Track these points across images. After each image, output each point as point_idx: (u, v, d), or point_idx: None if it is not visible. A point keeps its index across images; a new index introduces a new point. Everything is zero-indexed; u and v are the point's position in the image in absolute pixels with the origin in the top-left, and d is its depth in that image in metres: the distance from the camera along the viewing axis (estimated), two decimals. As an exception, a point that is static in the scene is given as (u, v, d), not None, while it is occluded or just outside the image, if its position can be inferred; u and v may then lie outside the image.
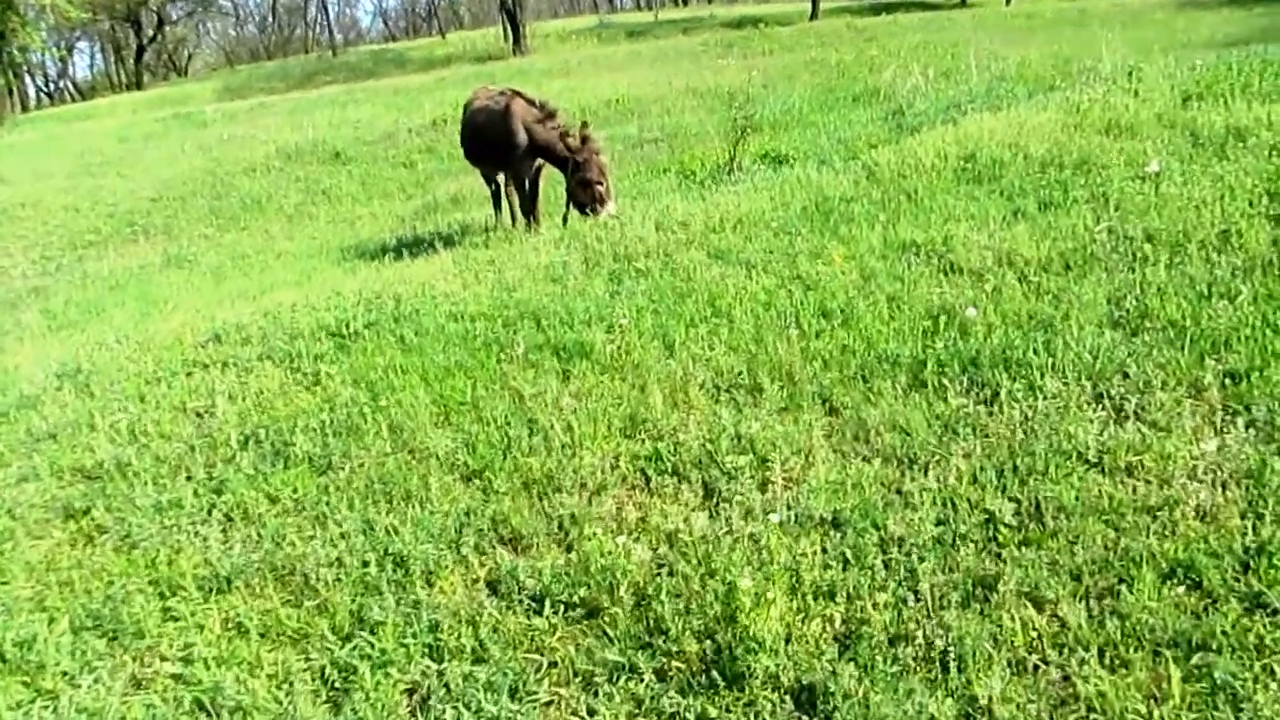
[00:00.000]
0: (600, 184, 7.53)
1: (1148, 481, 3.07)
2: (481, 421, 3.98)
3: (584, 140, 7.64)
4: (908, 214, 6.03)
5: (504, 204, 8.80)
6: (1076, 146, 6.79)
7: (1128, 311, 4.01)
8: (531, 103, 8.00)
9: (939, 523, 3.03)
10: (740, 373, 4.05)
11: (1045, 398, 3.54)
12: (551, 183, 8.45)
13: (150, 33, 51.57)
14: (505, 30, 41.87)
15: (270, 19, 64.86)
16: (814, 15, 40.16)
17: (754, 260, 5.58)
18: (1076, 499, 3.02)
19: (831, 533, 3.07)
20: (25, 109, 48.00)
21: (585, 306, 5.13)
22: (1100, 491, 3.03)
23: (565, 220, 7.86)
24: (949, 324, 4.22)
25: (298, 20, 66.22)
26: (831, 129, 12.44)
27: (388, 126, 16.84)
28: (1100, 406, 3.48)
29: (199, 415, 4.63)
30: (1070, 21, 29.46)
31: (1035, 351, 3.80)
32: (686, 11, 54.28)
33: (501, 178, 8.73)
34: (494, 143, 8.18)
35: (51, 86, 59.63)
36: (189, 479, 4.01)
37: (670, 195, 8.34)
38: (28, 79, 53.49)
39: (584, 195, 7.62)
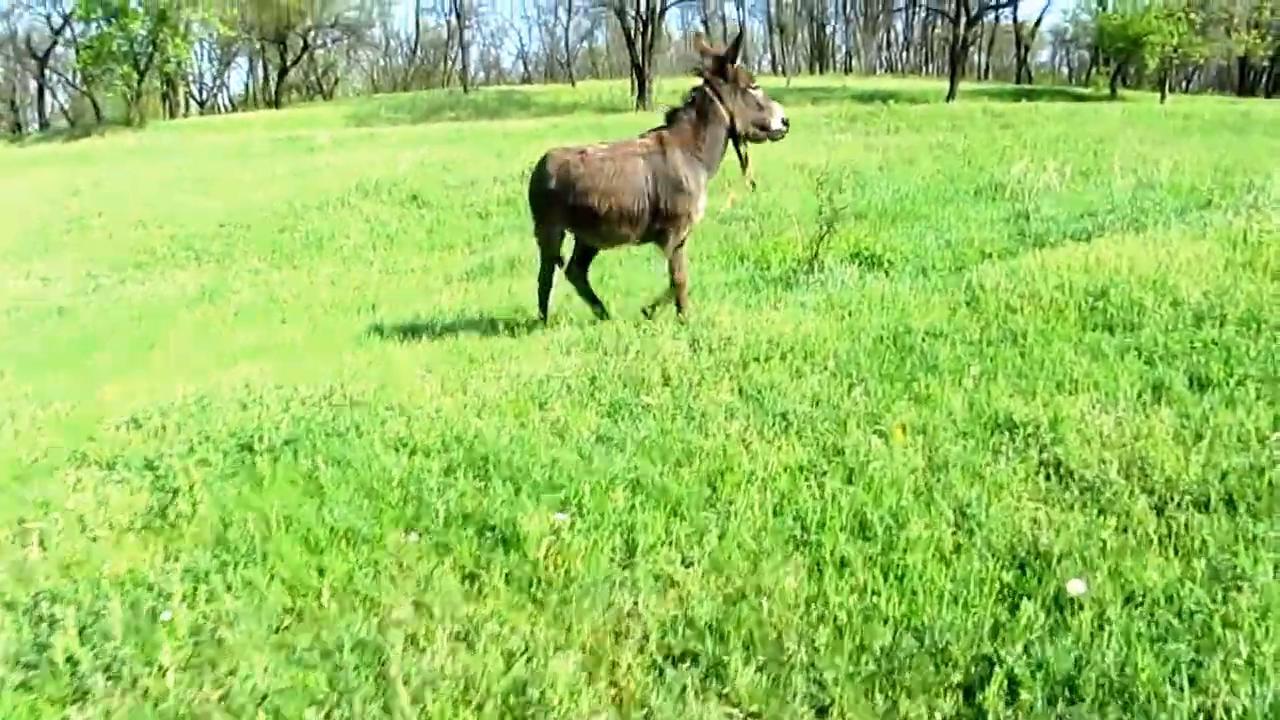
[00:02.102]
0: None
1: None
2: (320, 650, 2.74)
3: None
4: (1009, 368, 4.61)
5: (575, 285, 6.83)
6: (1244, 295, 5.25)
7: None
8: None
9: None
10: (705, 633, 2.70)
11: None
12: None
13: (295, 56, 53.50)
14: (633, 83, 41.71)
15: (414, 51, 66.73)
16: (951, 96, 38.62)
17: (792, 414, 4.24)
18: None
19: None
20: (173, 115, 50.15)
21: (553, 459, 3.88)
22: None
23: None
24: (1041, 583, 2.80)
25: (441, 55, 68.04)
26: (944, 226, 10.96)
27: (476, 172, 16.11)
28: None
29: (20, 543, 3.55)
30: (1231, 126, 27.06)
31: (1178, 688, 2.32)
32: (820, 80, 53.38)
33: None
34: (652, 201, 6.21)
35: (205, 96, 62.62)
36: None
37: (729, 295, 7.06)
38: (185, 87, 56.09)
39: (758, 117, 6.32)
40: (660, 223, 6.27)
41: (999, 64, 69.57)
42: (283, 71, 53.69)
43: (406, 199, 14.52)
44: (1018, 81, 55.89)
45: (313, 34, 54.06)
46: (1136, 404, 4.06)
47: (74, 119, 52.84)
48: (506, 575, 3.06)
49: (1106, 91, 42.88)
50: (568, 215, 6.33)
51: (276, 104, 51.08)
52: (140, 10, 37.00)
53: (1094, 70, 51.07)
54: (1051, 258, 6.62)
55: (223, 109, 59.78)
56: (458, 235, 12.78)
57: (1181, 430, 3.71)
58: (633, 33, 41.29)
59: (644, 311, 6.43)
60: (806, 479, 3.62)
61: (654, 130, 6.42)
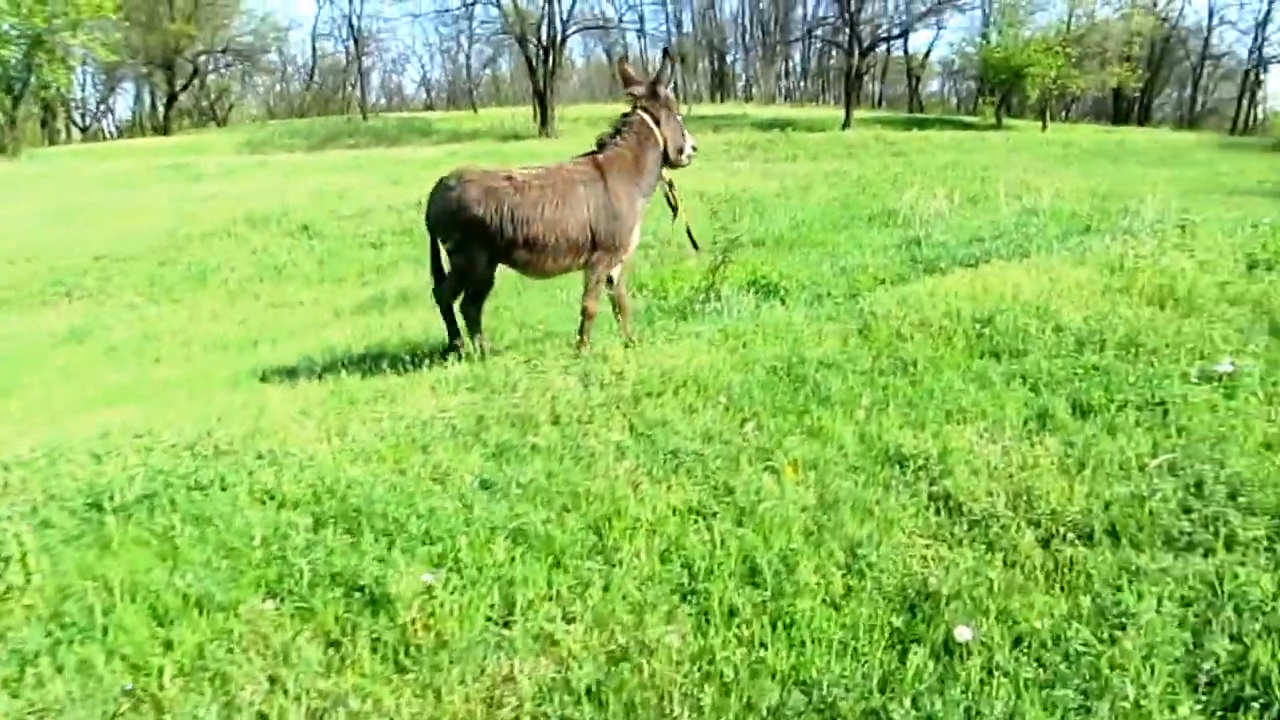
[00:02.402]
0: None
1: None
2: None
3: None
4: (900, 398, 4.59)
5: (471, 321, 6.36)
6: (1122, 320, 5.38)
7: (1217, 660, 2.49)
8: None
9: None
10: (583, 698, 2.53)
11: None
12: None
13: (184, 81, 51.77)
14: (535, 110, 41.62)
15: (311, 77, 65.28)
16: (846, 124, 39.69)
17: (683, 451, 4.12)
18: None
19: None
20: (53, 142, 47.96)
21: (431, 509, 3.67)
22: None
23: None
24: (930, 627, 2.72)
25: (340, 81, 66.67)
26: (840, 253, 11.13)
27: (370, 201, 15.70)
28: None
29: None
30: (1108, 154, 28.50)
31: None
32: (722, 108, 54.25)
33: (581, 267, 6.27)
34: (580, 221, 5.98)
35: (89, 122, 59.94)
36: None
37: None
38: (65, 113, 53.70)
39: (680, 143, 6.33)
40: (597, 252, 6.09)
41: (892, 93, 71.89)
42: (171, 98, 51.84)
43: (297, 229, 14.02)
44: (910, 110, 57.89)
45: (203, 59, 52.42)
46: (1023, 432, 4.08)
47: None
48: (373, 641, 2.84)
49: (993, 120, 44.67)
50: (497, 244, 5.91)
51: (165, 130, 49.26)
52: (13, 35, 35.26)
53: (980, 100, 53.23)
54: (941, 285, 6.70)
55: (108, 135, 57.23)
56: (349, 267, 12.38)
57: (1066, 459, 3.72)
58: (534, 60, 41.25)
59: (624, 344, 6.10)
60: (696, 522, 3.49)
61: (587, 155, 6.22)
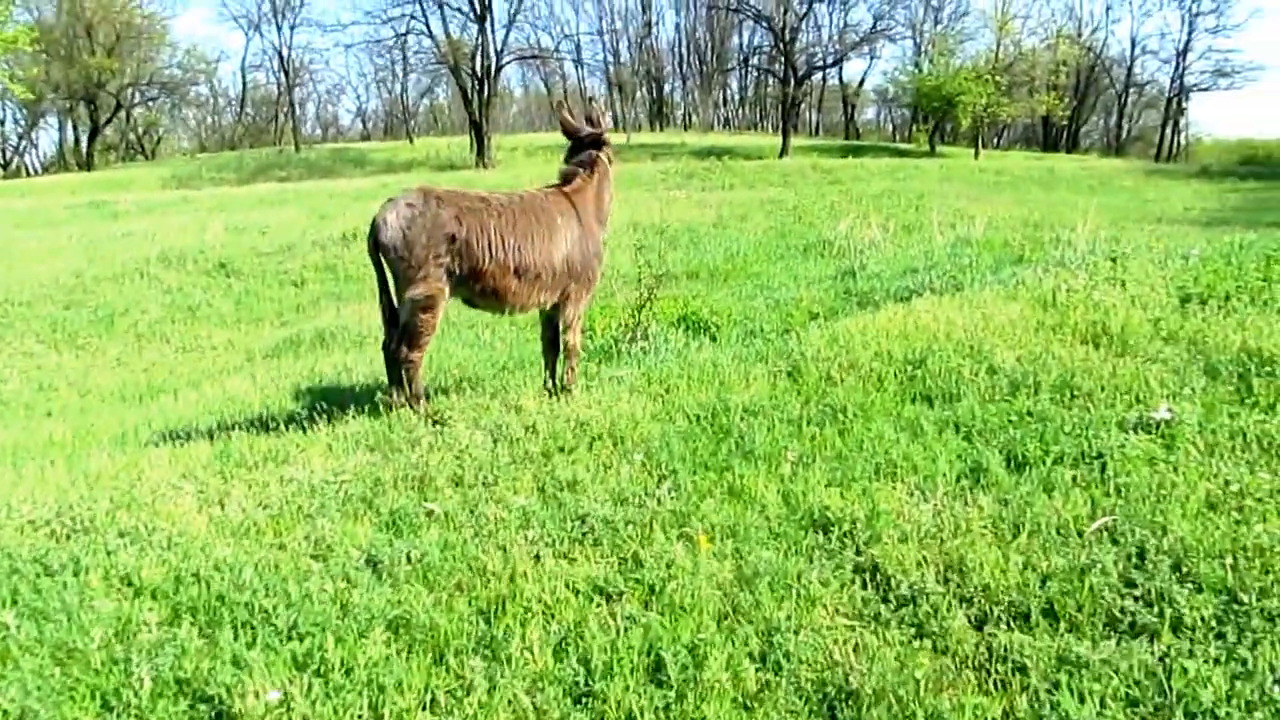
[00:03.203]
0: None
1: None
2: None
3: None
4: (828, 450, 4.32)
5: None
6: (1056, 361, 5.19)
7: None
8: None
9: None
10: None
11: None
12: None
13: (107, 115, 50.39)
14: (472, 141, 41.26)
15: (241, 109, 64.15)
16: (784, 152, 40.04)
17: (593, 516, 3.78)
18: None
19: None
20: (-36, 178, 46.34)
21: (305, 594, 3.27)
22: None
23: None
24: (851, 732, 2.40)
25: (272, 113, 65.59)
26: (774, 285, 10.94)
27: (294, 236, 15.15)
28: None
29: None
30: (1038, 180, 29.03)
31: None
32: (661, 136, 54.49)
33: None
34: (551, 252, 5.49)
35: (8, 157, 57.97)
36: None
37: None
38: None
39: None
40: (573, 285, 5.69)
41: (828, 120, 73.01)
42: (93, 132, 50.37)
43: (214, 268, 13.42)
44: (846, 137, 58.77)
45: (127, 92, 51.09)
46: (955, 489, 3.81)
47: None
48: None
49: (927, 148, 45.48)
50: (462, 274, 5.23)
51: (88, 166, 47.82)
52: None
53: (915, 127, 54.23)
54: (873, 322, 6.48)
55: (30, 171, 55.41)
56: (268, 306, 11.85)
57: (1000, 522, 3.45)
58: (469, 90, 40.93)
59: (547, 390, 5.72)
60: (599, 605, 3.15)
61: (552, 187, 5.85)
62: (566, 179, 5.92)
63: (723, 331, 8.06)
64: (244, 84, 62.88)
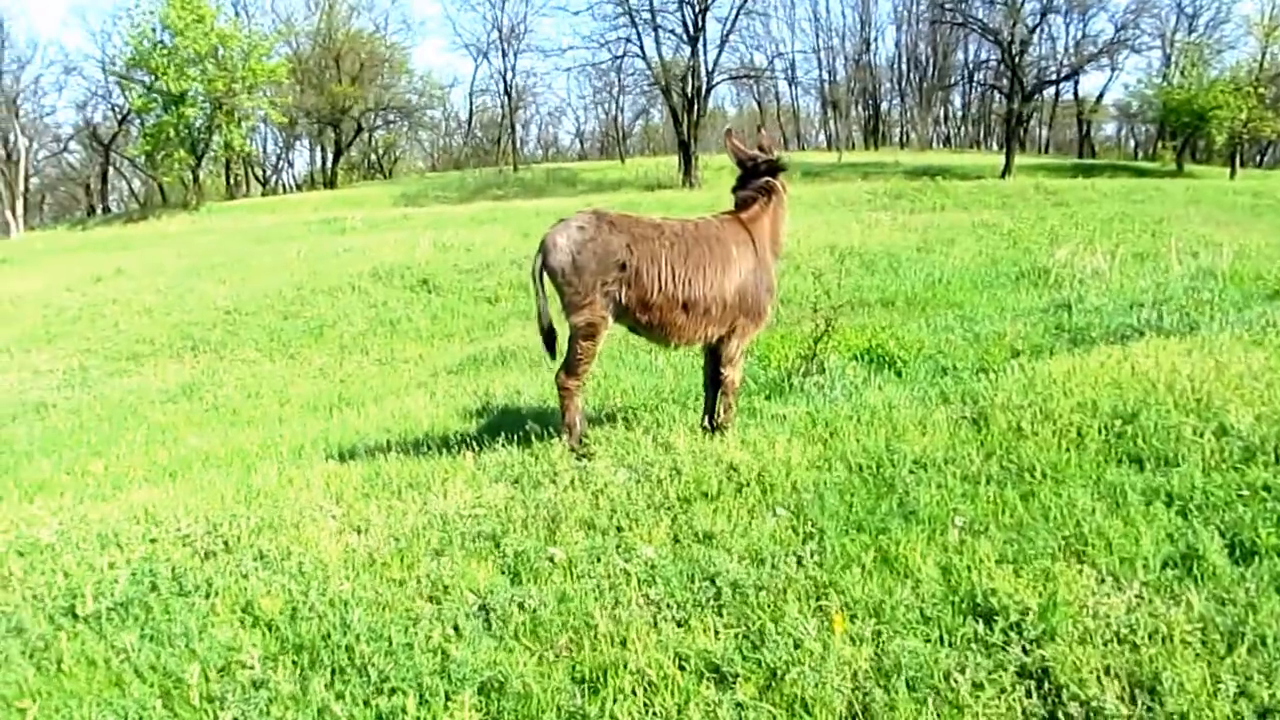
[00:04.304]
0: None
1: None
2: None
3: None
4: (1005, 517, 3.74)
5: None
6: (1307, 423, 4.30)
7: None
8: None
9: None
10: None
11: None
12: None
13: (349, 138, 54.87)
14: (680, 161, 41.66)
15: (468, 131, 68.06)
16: (1006, 171, 37.76)
17: (723, 576, 3.41)
18: None
19: None
20: (233, 196, 51.58)
21: (405, 644, 3.10)
22: None
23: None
24: None
25: (498, 134, 69.21)
26: (975, 316, 10.08)
27: (495, 254, 15.63)
28: None
29: None
30: (1306, 204, 25.66)
31: None
32: (874, 155, 52.99)
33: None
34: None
35: (269, 176, 64.41)
36: None
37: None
38: (245, 169, 57.81)
39: None
40: (740, 321, 5.26)
41: (1060, 137, 68.46)
42: (337, 153, 55.06)
43: (417, 283, 14.03)
44: (1080, 156, 54.82)
45: (369, 116, 55.44)
46: (1159, 580, 3.16)
47: (144, 202, 54.69)
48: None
49: (1173, 166, 41.63)
50: (628, 304, 4.96)
51: (332, 184, 52.25)
52: (197, 99, 38.32)
53: (1160, 145, 49.80)
54: (1080, 366, 5.72)
55: (286, 189, 61.36)
56: (460, 323, 12.22)
57: (1212, 629, 2.80)
58: (679, 110, 41.36)
59: (704, 427, 5.40)
60: (708, 685, 2.78)
61: (728, 213, 5.47)
62: (743, 205, 5.55)
63: (909, 367, 7.42)
64: (470, 107, 66.73)
